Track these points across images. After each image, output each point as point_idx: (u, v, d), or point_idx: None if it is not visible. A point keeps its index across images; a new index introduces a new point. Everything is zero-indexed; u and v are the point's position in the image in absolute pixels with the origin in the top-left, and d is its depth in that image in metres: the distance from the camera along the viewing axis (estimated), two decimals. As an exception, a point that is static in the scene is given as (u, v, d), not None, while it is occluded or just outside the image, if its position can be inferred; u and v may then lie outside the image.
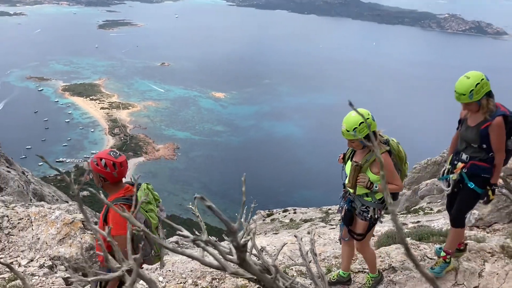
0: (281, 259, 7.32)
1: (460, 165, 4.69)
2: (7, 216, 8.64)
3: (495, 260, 5.30)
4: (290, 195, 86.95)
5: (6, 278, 7.00)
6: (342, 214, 4.81)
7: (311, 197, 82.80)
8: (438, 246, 5.66)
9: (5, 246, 8.13)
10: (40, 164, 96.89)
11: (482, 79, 4.32)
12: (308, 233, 10.28)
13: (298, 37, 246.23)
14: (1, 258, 7.74)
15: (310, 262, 2.59)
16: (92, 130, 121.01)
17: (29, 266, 7.63)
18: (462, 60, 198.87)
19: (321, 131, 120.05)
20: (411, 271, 5.34)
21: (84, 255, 8.10)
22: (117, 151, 4.03)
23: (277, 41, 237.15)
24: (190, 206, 2.33)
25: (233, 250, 1.57)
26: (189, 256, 1.44)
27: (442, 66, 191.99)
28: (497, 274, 5.06)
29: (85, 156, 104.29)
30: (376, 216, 4.56)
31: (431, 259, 5.60)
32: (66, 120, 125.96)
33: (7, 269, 7.31)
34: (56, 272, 7.56)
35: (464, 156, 4.72)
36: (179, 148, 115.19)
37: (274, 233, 16.92)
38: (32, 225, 8.60)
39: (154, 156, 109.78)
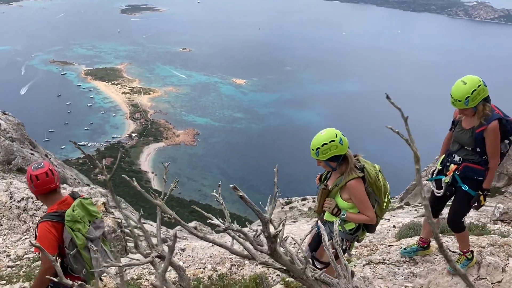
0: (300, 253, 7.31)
1: (452, 167, 4.58)
2: (32, 198, 8.82)
3: (520, 255, 5.20)
4: (309, 184, 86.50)
5: (31, 258, 7.17)
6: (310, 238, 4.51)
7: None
8: (403, 247, 5.51)
9: (30, 227, 8.32)
10: (62, 147, 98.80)
11: (479, 85, 4.17)
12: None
13: (321, 24, 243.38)
14: (26, 239, 7.93)
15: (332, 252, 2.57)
16: (114, 114, 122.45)
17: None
18: (490, 50, 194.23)
19: (342, 120, 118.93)
20: (433, 263, 5.28)
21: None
22: (42, 162, 3.83)
23: (299, 28, 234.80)
24: (214, 194, 2.32)
25: (264, 240, 1.56)
26: (218, 244, 1.44)
27: (470, 55, 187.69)
28: (521, 269, 4.97)
29: (106, 140, 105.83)
30: (343, 247, 4.19)
31: (453, 252, 5.53)
32: (88, 104, 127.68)
33: (32, 250, 7.48)
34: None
35: (456, 158, 4.61)
36: (199, 134, 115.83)
37: (292, 221, 16.95)
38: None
39: (174, 142, 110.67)
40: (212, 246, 8.08)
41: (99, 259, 3.31)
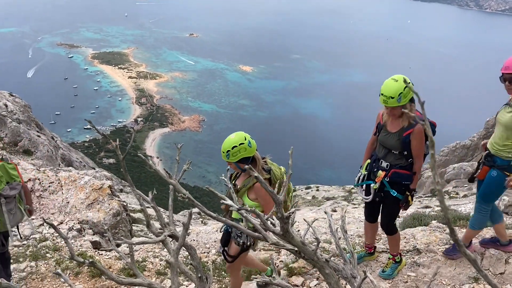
0: (307, 237, 7.36)
1: (381, 173, 4.56)
2: (39, 179, 8.90)
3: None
4: (314, 173, 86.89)
5: (37, 239, 7.25)
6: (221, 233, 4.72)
7: (334, 175, 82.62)
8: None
9: (36, 208, 8.40)
10: (68, 130, 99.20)
11: (409, 82, 4.11)
12: (333, 210, 10.32)
13: (329, 12, 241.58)
14: (33, 219, 8.01)
15: (339, 239, 2.59)
16: (120, 98, 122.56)
17: (59, 228, 7.86)
18: (501, 42, 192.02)
19: (348, 109, 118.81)
20: (436, 253, 5.31)
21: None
22: None
23: (308, 15, 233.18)
24: (222, 177, 2.35)
25: (276, 221, 1.59)
26: (231, 225, 1.46)
27: (479, 47, 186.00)
28: (525, 262, 4.98)
29: (112, 124, 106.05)
30: (248, 243, 4.37)
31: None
32: (95, 88, 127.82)
33: (38, 230, 7.58)
34: (84, 236, 7.80)
35: (384, 164, 4.59)
36: (205, 121, 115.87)
37: (296, 209, 16.97)
38: (62, 189, 8.84)
39: (180, 127, 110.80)
40: (216, 231, 8.15)
41: (11, 215, 4.50)
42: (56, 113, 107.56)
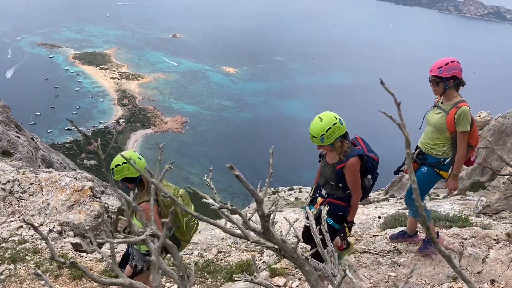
0: (289, 237, 7.41)
1: (319, 200, 4.61)
2: (18, 181, 8.77)
3: (500, 247, 5.33)
4: (296, 174, 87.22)
5: (16, 241, 7.14)
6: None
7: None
8: None
9: (16, 210, 8.28)
10: (49, 131, 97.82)
11: (335, 123, 4.16)
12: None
13: (312, 15, 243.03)
14: (11, 221, 7.89)
15: (320, 238, 2.62)
16: (101, 99, 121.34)
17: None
18: (479, 46, 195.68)
19: (330, 111, 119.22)
20: (416, 254, 5.39)
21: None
22: None
23: (291, 18, 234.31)
24: (205, 178, 2.36)
25: (258, 219, 1.61)
26: (213, 223, 1.48)
27: (458, 50, 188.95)
28: (501, 261, 5.09)
29: (93, 125, 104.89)
30: (141, 266, 4.27)
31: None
32: (76, 89, 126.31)
33: (17, 233, 7.46)
34: (64, 237, 7.71)
35: (323, 191, 4.64)
36: (187, 122, 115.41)
37: (279, 211, 17.04)
38: (42, 191, 8.73)
39: (162, 129, 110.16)
40: (199, 232, 8.14)
41: None
42: (36, 113, 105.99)
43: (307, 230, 4.85)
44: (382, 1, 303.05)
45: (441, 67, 4.54)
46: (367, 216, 8.81)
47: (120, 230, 4.22)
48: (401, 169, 5.16)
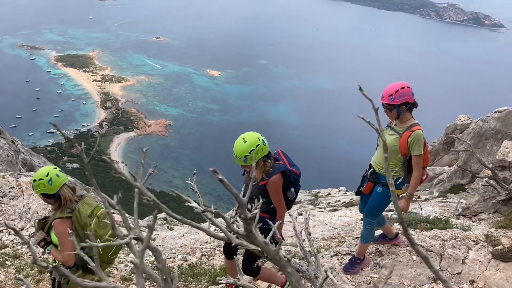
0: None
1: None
2: (-2, 184, 8.64)
3: (479, 248, 5.44)
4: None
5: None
6: None
7: (301, 180, 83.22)
8: None
9: (-6, 214, 8.15)
10: (30, 134, 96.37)
11: (258, 144, 4.25)
12: (299, 214, 10.43)
13: (296, 19, 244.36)
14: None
15: (303, 241, 2.66)
16: (84, 102, 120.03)
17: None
18: (458, 51, 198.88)
19: (314, 115, 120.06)
20: (397, 255, 5.46)
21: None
22: None
23: (275, 22, 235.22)
24: (189, 182, 2.37)
25: (240, 222, 1.64)
26: (196, 227, 1.49)
27: (438, 55, 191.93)
28: (480, 261, 5.20)
29: (75, 128, 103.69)
30: (60, 281, 4.11)
31: (418, 245, 5.73)
32: (58, 91, 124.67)
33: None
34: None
35: (248, 206, 4.67)
36: (171, 125, 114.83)
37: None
38: (23, 195, 8.62)
39: (145, 132, 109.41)
40: (183, 236, 8.11)
41: None
42: (17, 116, 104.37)
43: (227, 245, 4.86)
44: (365, 6, 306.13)
45: (392, 94, 4.62)
46: (350, 218, 8.89)
47: (35, 243, 4.13)
48: (360, 189, 5.26)
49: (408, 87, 4.68)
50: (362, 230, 5.26)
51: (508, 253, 5.12)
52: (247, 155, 4.22)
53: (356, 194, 5.44)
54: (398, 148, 4.71)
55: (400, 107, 4.64)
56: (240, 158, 4.25)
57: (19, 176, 9.87)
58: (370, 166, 5.13)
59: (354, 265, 5.31)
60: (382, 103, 4.67)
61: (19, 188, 8.72)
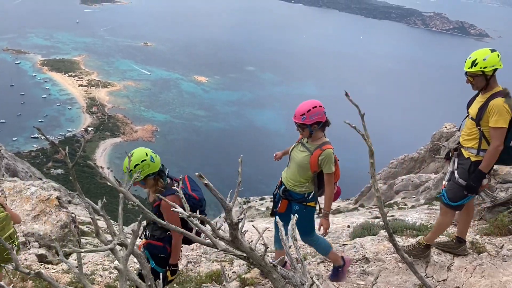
0: (258, 245, 7.40)
1: (143, 241, 4.49)
2: (-19, 189, 8.50)
3: (464, 255, 5.47)
4: (268, 184, 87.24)
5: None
6: None
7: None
8: None
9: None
10: (14, 139, 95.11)
11: (144, 160, 4.18)
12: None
13: (284, 26, 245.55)
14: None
15: (290, 247, 2.64)
16: (70, 107, 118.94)
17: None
18: (444, 59, 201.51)
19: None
20: (384, 262, 5.48)
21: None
22: None
23: (262, 28, 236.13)
24: (175, 188, 2.36)
25: (226, 228, 1.63)
26: (181, 232, 1.47)
27: (425, 63, 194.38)
28: (465, 268, 5.23)
29: (61, 133, 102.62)
30: None
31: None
32: (43, 96, 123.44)
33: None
34: (29, 249, 7.49)
35: (147, 232, 4.57)
36: (158, 131, 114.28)
37: (250, 221, 17.04)
38: (7, 200, 8.47)
39: (132, 137, 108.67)
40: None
41: None
42: (1, 121, 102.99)
43: None
44: (352, 14, 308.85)
45: (304, 114, 4.64)
46: (337, 225, 8.91)
47: None
48: (275, 209, 5.23)
49: (320, 106, 4.67)
50: (315, 248, 5.26)
51: (413, 250, 5.19)
52: (132, 170, 4.09)
53: (271, 215, 5.34)
54: (309, 165, 4.74)
55: (312, 126, 4.67)
56: (125, 172, 4.02)
57: (2, 182, 9.73)
58: (281, 183, 5.08)
59: (337, 273, 5.28)
60: (295, 122, 4.71)
61: (2, 193, 8.58)
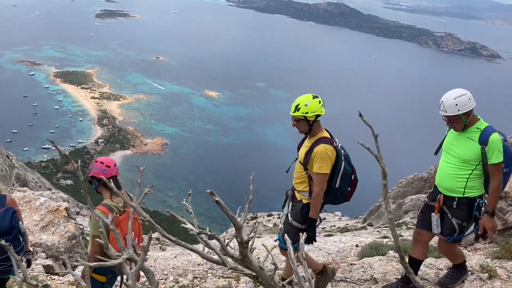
0: (266, 264, 7.34)
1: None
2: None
3: (474, 279, 5.38)
4: (275, 200, 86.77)
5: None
6: None
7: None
8: None
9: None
10: (25, 149, 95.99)
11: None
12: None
13: (295, 43, 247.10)
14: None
15: (298, 266, 2.61)
16: (81, 119, 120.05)
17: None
18: (455, 80, 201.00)
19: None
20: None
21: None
22: None
23: (273, 45, 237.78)
24: (184, 202, 2.35)
25: (235, 246, 1.61)
26: (190, 249, 1.47)
27: (435, 84, 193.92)
28: (475, 292, 5.14)
29: (71, 144, 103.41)
30: None
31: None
32: (55, 107, 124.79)
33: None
34: (36, 259, 7.50)
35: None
36: (168, 144, 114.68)
37: (257, 237, 16.92)
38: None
39: (142, 150, 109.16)
40: (175, 257, 8.01)
41: None
42: (13, 131, 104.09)
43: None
44: (364, 33, 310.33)
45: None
46: (345, 244, 8.82)
47: None
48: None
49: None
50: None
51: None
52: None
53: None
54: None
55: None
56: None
57: (12, 191, 9.79)
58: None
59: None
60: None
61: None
